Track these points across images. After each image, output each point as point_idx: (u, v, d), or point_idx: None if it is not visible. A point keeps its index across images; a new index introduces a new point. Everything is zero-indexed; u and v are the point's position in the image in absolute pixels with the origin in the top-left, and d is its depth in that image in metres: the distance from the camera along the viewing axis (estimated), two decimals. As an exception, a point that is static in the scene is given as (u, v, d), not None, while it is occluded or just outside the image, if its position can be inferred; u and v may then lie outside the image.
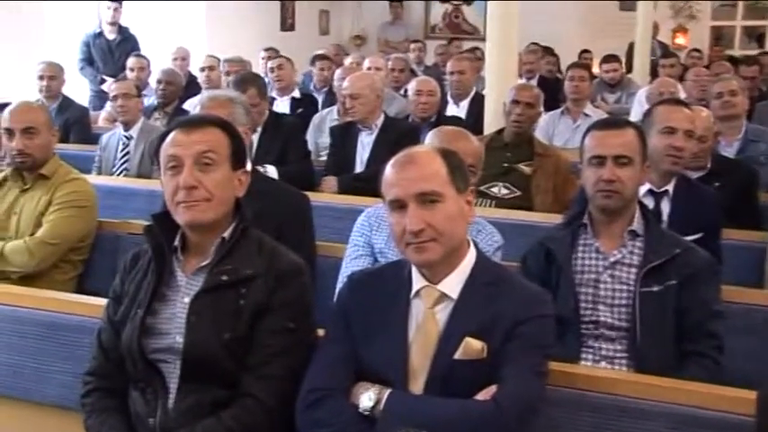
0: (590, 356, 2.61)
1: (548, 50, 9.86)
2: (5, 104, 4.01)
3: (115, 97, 5.37)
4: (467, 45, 10.72)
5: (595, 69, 8.29)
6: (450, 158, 2.15)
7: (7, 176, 3.67)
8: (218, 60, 7.25)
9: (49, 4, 8.28)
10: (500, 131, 4.74)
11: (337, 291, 2.80)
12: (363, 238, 3.07)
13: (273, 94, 6.92)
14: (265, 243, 2.30)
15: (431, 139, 3.09)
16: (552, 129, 6.14)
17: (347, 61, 8.27)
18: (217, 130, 2.28)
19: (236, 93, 3.68)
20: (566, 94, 6.35)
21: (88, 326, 2.57)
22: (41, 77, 6.29)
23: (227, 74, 6.88)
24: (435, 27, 13.59)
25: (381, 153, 4.78)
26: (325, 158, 5.42)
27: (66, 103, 6.37)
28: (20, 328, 2.73)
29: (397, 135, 4.85)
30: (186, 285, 2.25)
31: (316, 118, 6.10)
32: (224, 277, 2.21)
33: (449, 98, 6.57)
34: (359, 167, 5.06)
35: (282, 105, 6.78)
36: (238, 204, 2.32)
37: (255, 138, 4.86)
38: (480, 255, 2.19)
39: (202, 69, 7.25)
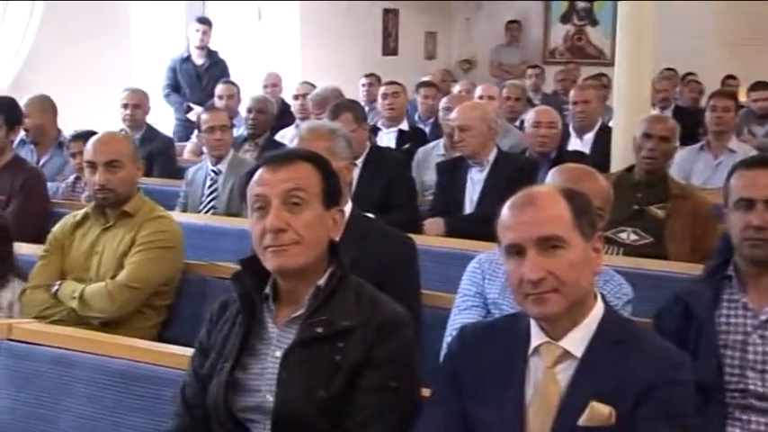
0: (737, 431, 2.54)
1: (686, 76, 9.71)
2: (90, 133, 4.19)
3: (211, 129, 5.51)
4: (591, 71, 10.65)
5: (742, 98, 8.12)
6: (576, 200, 2.14)
7: (89, 213, 3.82)
8: (314, 87, 7.40)
9: (136, 27, 8.64)
10: (629, 169, 4.68)
11: (445, 346, 2.80)
12: (475, 287, 3.08)
13: (379, 124, 6.99)
14: (365, 291, 2.33)
15: (552, 177, 3.08)
16: (690, 166, 6.02)
17: (455, 88, 8.33)
18: (306, 165, 2.32)
19: (337, 124, 3.75)
20: (706, 126, 6.22)
21: (171, 378, 2.64)
22: (125, 105, 6.55)
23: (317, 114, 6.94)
24: (555, 50, 13.55)
25: (494, 192, 4.78)
26: (430, 198, 5.45)
27: (151, 134, 6.61)
28: (98, 378, 2.82)
29: (513, 172, 4.85)
30: (278, 338, 2.29)
31: (420, 152, 6.15)
32: (319, 329, 2.24)
33: (571, 130, 6.54)
34: (468, 208, 5.07)
35: (387, 139, 6.83)
36: (335, 248, 2.35)
37: (355, 174, 4.93)
38: (608, 309, 2.17)
39: (296, 97, 7.42)
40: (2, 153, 5.05)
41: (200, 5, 9.32)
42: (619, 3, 6.07)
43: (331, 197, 2.33)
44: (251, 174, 2.34)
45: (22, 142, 5.18)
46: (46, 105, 6.03)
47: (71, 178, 5.65)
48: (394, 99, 6.98)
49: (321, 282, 2.30)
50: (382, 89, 7.16)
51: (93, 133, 4.14)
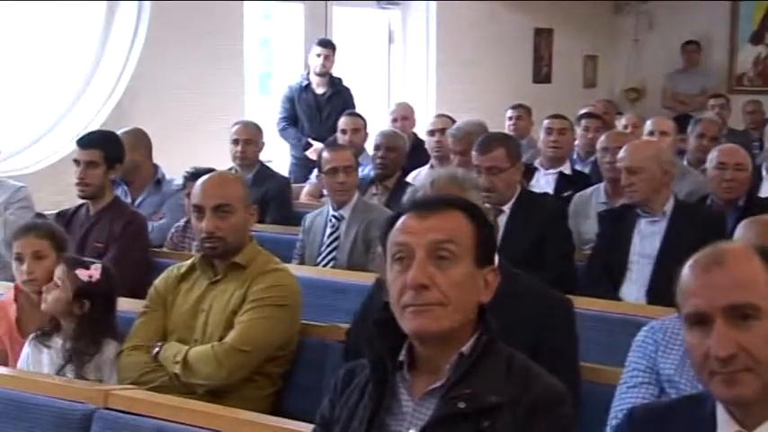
0: None
1: None
2: (206, 172, 4.31)
3: (334, 171, 5.58)
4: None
5: None
6: (774, 260, 2.10)
7: (195, 265, 3.93)
8: (452, 121, 7.42)
9: (250, 52, 8.89)
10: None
11: (609, 430, 2.76)
12: (646, 359, 3.03)
13: (536, 163, 6.97)
14: (516, 362, 2.32)
15: (744, 231, 3.03)
16: None
17: (620, 122, 8.24)
18: (459, 214, 2.34)
19: (472, 175, 3.75)
20: None
21: (287, 457, 2.68)
22: (236, 141, 6.73)
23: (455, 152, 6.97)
24: (743, 76, 13.28)
25: (672, 248, 4.70)
26: (588, 252, 5.40)
27: (264, 173, 6.77)
28: (203, 455, 2.88)
29: (695, 225, 4.76)
30: (413, 413, 2.30)
31: (577, 199, 6.09)
32: (461, 405, 2.24)
33: (763, 172, 6.39)
34: (635, 266, 4.99)
35: (545, 182, 6.79)
36: (482, 311, 2.36)
37: (502, 221, 4.93)
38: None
39: (431, 132, 7.43)
40: (101, 195, 5.27)
41: (322, 27, 9.53)
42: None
43: (485, 254, 2.34)
44: (393, 220, 2.37)
45: (113, 182, 5.38)
46: (139, 140, 6.23)
47: (182, 223, 5.83)
48: (560, 137, 6.94)
49: (465, 349, 2.30)
50: (546, 123, 7.08)
51: (210, 171, 4.26)
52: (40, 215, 5.47)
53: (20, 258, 4.09)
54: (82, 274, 3.84)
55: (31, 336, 3.91)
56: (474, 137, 6.13)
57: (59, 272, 3.85)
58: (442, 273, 2.27)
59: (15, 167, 7.24)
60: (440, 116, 7.72)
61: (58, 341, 3.84)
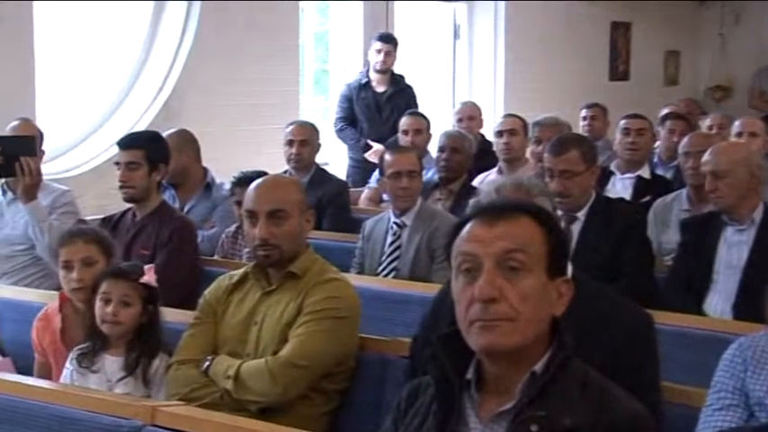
0: None
1: None
2: (257, 176, 4.33)
3: (396, 175, 5.57)
4: None
5: None
6: None
7: (248, 274, 3.94)
8: (522, 121, 7.38)
9: (305, 51, 8.94)
10: None
11: (693, 456, 2.74)
12: (734, 380, 3.00)
13: (612, 167, 6.91)
14: (592, 381, 2.30)
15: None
16: None
17: (705, 123, 8.16)
18: (530, 221, 2.33)
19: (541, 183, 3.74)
20: None
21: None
22: (290, 142, 6.77)
23: (538, 142, 6.97)
24: (843, 73, 13.10)
25: (760, 259, 4.65)
26: (669, 262, 5.35)
27: (321, 177, 6.79)
28: (256, 477, 2.89)
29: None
30: (482, 435, 2.30)
31: (657, 206, 6.03)
32: (534, 428, 2.22)
33: None
34: (722, 277, 4.94)
35: (622, 186, 6.72)
36: (556, 325, 2.34)
37: (576, 229, 4.89)
38: None
39: (500, 134, 7.39)
40: (145, 198, 5.31)
41: (383, 21, 9.54)
42: None
43: (557, 263, 2.33)
44: (459, 227, 2.36)
45: (159, 185, 5.39)
46: (185, 141, 6.26)
47: (232, 229, 5.87)
48: (638, 138, 6.88)
49: (538, 367, 2.29)
50: (623, 123, 7.00)
51: (262, 175, 4.27)
52: (82, 221, 5.53)
53: (68, 266, 4.13)
54: (143, 279, 3.90)
55: (74, 355, 3.94)
56: (564, 129, 6.08)
57: (123, 288, 3.89)
58: (512, 284, 2.26)
59: (59, 169, 7.33)
60: (509, 116, 7.58)
61: (108, 359, 3.88)
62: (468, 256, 2.30)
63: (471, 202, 3.33)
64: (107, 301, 3.88)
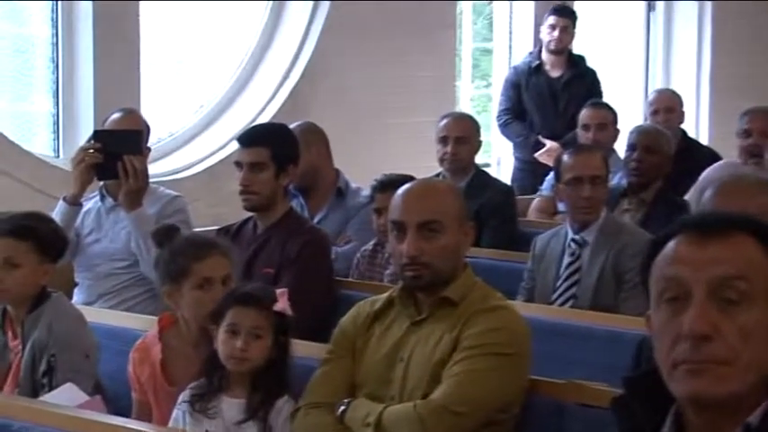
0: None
1: None
2: (402, 180, 4.33)
3: (577, 181, 5.50)
4: None
5: None
6: None
7: (393, 300, 3.94)
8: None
9: (463, 28, 8.93)
10: None
11: None
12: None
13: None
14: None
15: None
16: None
17: None
18: (753, 241, 2.28)
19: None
20: None
21: None
22: (445, 139, 6.75)
23: (746, 134, 6.83)
24: None
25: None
26: None
27: (481, 181, 6.77)
28: None
29: None
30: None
31: None
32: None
33: None
34: None
35: None
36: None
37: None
38: None
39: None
40: (271, 206, 5.32)
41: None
42: None
43: None
44: (659, 245, 2.32)
45: (286, 190, 5.37)
46: (314, 136, 6.29)
47: (370, 246, 5.89)
48: None
49: (753, 418, 2.25)
50: None
51: (408, 179, 4.27)
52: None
53: (202, 284, 4.14)
54: (276, 307, 3.92)
55: (185, 398, 3.96)
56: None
57: (254, 318, 3.89)
58: (730, 319, 2.21)
59: (166, 170, 7.46)
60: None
61: (226, 401, 3.91)
62: (673, 282, 2.26)
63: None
64: (234, 333, 3.88)
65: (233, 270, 4.21)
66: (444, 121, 6.86)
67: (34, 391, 4.22)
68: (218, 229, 5.56)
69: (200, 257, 4.18)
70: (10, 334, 4.40)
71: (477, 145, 6.90)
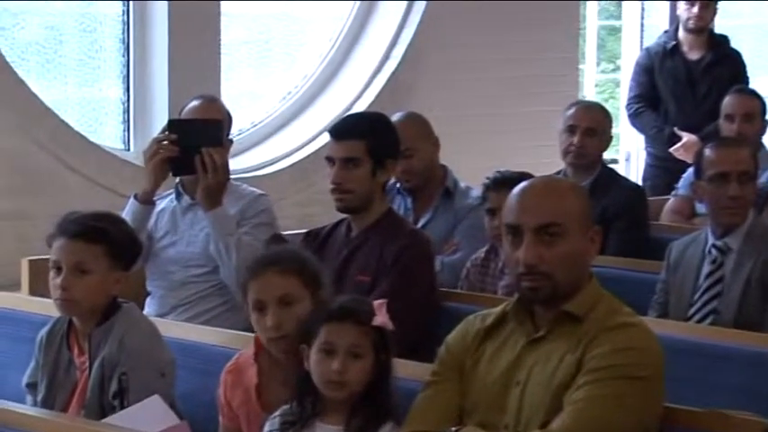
0: None
1: None
2: (519, 178, 4.32)
3: (723, 177, 5.49)
4: None
5: None
6: None
7: (507, 315, 3.91)
8: None
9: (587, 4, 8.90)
10: None
11: None
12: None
13: None
14: None
15: None
16: None
17: None
18: None
19: None
20: None
21: None
22: (572, 129, 6.74)
23: None
24: None
25: None
26: None
27: (608, 180, 6.77)
28: None
29: None
30: None
31: None
32: None
33: None
34: None
35: None
36: None
37: None
38: None
39: None
40: (367, 207, 5.31)
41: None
42: None
43: None
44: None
45: (384, 188, 5.34)
46: (419, 128, 6.29)
47: (481, 254, 5.88)
48: None
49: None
50: None
51: (525, 177, 4.27)
52: (277, 237, 5.57)
53: (260, 307, 4.14)
54: (376, 321, 3.88)
55: (274, 426, 3.95)
56: None
57: (352, 335, 3.85)
58: None
59: (249, 165, 7.49)
60: None
61: (320, 428, 3.89)
62: None
63: None
64: (329, 353, 3.85)
65: (302, 286, 4.15)
66: (573, 110, 6.85)
67: (102, 413, 4.24)
68: (307, 233, 5.57)
69: (254, 276, 4.19)
70: (76, 349, 4.42)
71: (607, 139, 6.89)
